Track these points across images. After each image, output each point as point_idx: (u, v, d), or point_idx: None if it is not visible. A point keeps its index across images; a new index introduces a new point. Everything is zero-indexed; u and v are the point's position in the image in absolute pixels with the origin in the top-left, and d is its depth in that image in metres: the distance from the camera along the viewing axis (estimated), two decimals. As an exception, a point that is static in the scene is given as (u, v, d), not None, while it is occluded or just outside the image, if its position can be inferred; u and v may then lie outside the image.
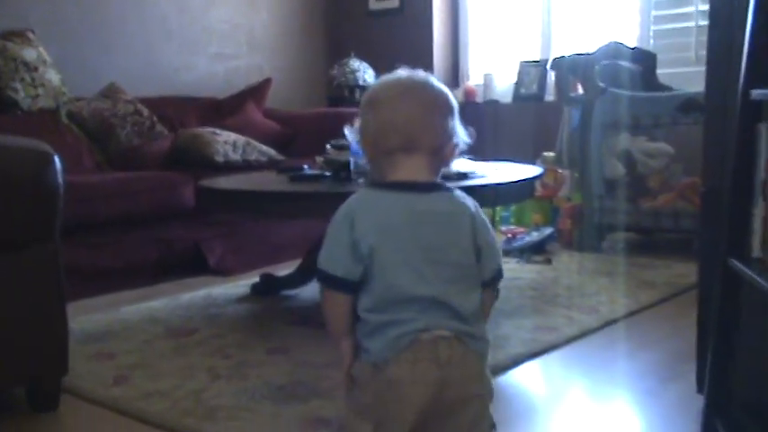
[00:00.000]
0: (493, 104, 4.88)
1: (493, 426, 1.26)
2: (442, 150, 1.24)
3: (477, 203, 1.25)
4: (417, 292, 1.15)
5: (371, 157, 1.27)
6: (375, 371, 1.16)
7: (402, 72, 1.26)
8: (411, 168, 1.22)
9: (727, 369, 1.59)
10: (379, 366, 1.16)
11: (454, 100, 1.27)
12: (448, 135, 1.24)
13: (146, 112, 4.01)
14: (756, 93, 1.42)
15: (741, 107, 1.46)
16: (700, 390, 1.78)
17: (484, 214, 1.26)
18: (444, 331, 1.15)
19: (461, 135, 1.26)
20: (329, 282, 1.18)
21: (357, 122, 1.29)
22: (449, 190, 1.24)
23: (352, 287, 1.18)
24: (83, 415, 1.92)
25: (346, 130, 2.69)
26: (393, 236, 1.16)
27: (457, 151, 1.26)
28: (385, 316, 1.16)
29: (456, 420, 1.19)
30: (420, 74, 1.26)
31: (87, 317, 2.73)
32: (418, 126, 1.21)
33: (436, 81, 1.26)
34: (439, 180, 1.26)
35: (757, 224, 1.44)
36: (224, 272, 3.39)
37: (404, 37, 5.14)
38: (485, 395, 1.23)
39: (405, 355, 1.14)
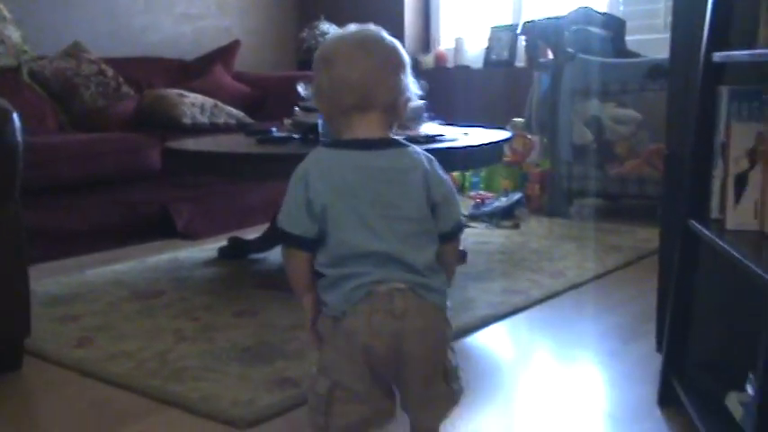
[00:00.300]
0: (464, 70, 4.86)
1: (461, 389, 1.29)
2: (395, 106, 1.24)
3: (432, 158, 1.26)
4: (371, 247, 1.17)
5: (327, 115, 1.27)
6: (334, 324, 1.18)
7: (353, 27, 1.25)
8: (366, 126, 1.22)
9: (684, 328, 1.63)
10: (337, 319, 1.17)
11: (405, 54, 1.26)
12: (401, 90, 1.23)
13: (111, 72, 3.94)
14: (718, 55, 1.43)
15: (703, 70, 1.48)
16: (659, 349, 1.82)
17: (441, 168, 1.26)
18: (399, 284, 1.16)
19: (413, 89, 1.26)
20: (289, 240, 1.21)
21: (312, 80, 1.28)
22: (403, 146, 1.25)
23: (310, 245, 1.20)
24: (46, 376, 1.91)
25: (299, 88, 2.67)
26: (346, 194, 1.17)
27: (409, 105, 1.27)
28: (341, 270, 1.17)
29: (418, 372, 1.21)
30: (371, 29, 1.25)
31: (52, 279, 2.70)
32: (373, 84, 1.20)
33: (387, 35, 1.25)
34: (393, 136, 1.26)
35: (716, 186, 1.46)
36: (192, 235, 3.36)
37: (375, 1, 5.08)
38: (445, 347, 1.25)
39: (360, 306, 1.15)
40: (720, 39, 1.46)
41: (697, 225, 1.48)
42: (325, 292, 1.20)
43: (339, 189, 1.17)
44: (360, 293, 1.16)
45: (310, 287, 1.23)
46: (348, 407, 1.19)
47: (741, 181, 1.41)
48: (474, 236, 3.36)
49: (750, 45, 1.37)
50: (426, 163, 1.23)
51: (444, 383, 1.25)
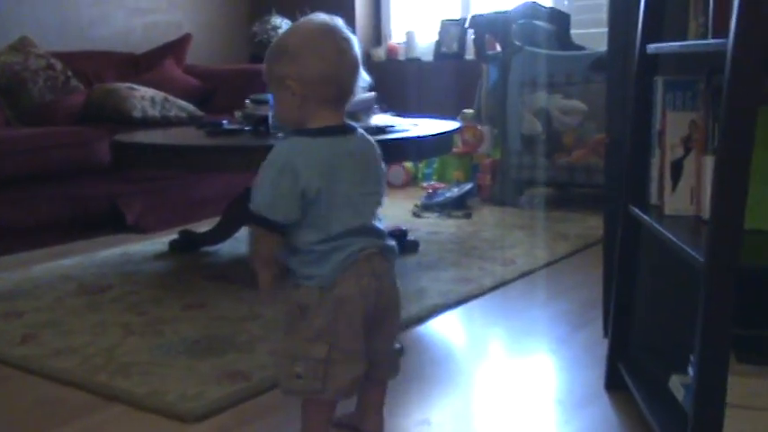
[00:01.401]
0: (415, 62, 4.89)
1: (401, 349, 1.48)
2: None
3: None
4: (356, 222, 1.31)
5: (299, 103, 1.30)
6: (322, 293, 1.28)
7: (326, 18, 1.31)
8: (335, 114, 1.33)
9: (627, 313, 1.67)
10: (325, 288, 1.28)
11: None
12: None
13: (59, 66, 3.86)
14: (651, 47, 1.47)
15: (638, 61, 1.52)
16: (606, 335, 1.85)
17: None
18: (374, 248, 1.32)
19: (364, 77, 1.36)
20: (266, 224, 1.28)
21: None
22: (357, 130, 1.37)
23: (285, 228, 1.29)
24: (-12, 374, 1.87)
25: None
26: (334, 177, 1.28)
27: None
28: (329, 245, 1.28)
29: (390, 326, 1.39)
30: (342, 24, 1.32)
31: (-4, 276, 2.65)
32: (354, 80, 1.32)
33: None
34: (347, 121, 1.37)
35: (655, 172, 1.50)
36: (142, 229, 3.32)
37: (326, -7, 5.06)
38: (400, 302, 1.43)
39: (349, 273, 1.28)
40: (654, 31, 1.50)
41: (636, 210, 1.51)
42: (309, 267, 1.29)
43: (327, 173, 1.27)
44: (348, 263, 1.28)
45: (271, 264, 1.33)
46: (344, 367, 1.30)
47: (677, 168, 1.45)
48: (426, 226, 3.39)
49: (682, 37, 1.40)
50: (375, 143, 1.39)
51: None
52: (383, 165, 1.39)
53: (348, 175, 1.30)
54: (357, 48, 1.32)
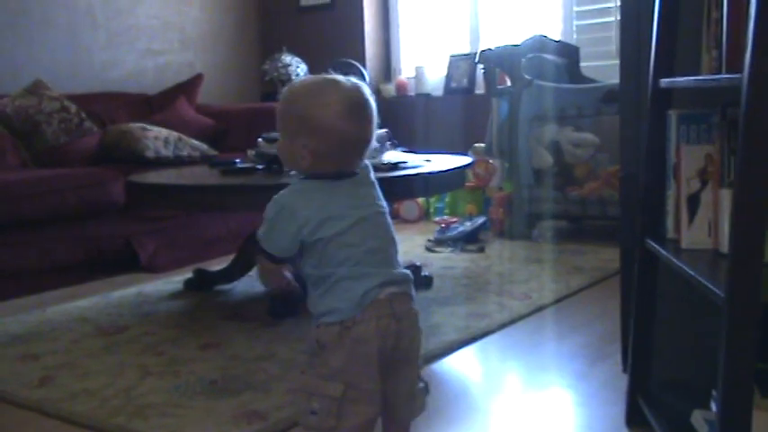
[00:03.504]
0: (424, 97, 4.92)
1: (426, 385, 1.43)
2: None
3: None
4: (367, 244, 1.31)
5: (311, 161, 1.30)
6: (342, 331, 1.27)
7: (353, 88, 1.31)
8: (348, 164, 1.34)
9: (647, 347, 1.65)
10: (345, 325, 1.27)
11: None
12: None
13: (73, 108, 3.91)
14: (665, 81, 1.48)
15: (651, 95, 1.53)
16: (625, 369, 1.84)
17: None
18: (395, 288, 1.31)
19: None
20: (270, 257, 1.33)
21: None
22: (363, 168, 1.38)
23: (285, 260, 1.33)
24: (5, 418, 1.87)
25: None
26: (334, 202, 1.30)
27: None
28: (343, 270, 1.28)
29: (409, 368, 1.36)
30: (367, 90, 1.34)
31: (12, 318, 2.66)
32: (370, 141, 1.34)
33: None
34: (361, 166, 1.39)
35: (670, 206, 1.50)
36: (156, 269, 3.33)
37: (335, 32, 5.13)
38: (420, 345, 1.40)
39: (368, 313, 1.28)
40: (666, 65, 1.51)
41: (653, 244, 1.51)
42: (326, 299, 1.29)
43: (326, 204, 1.30)
44: (368, 299, 1.27)
45: (279, 274, 1.37)
46: (359, 407, 1.29)
47: (694, 201, 1.44)
48: (439, 260, 3.38)
49: (695, 71, 1.41)
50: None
51: (419, 380, 1.41)
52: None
53: (345, 199, 1.31)
54: (375, 110, 1.34)
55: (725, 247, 1.33)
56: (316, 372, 1.30)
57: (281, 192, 1.32)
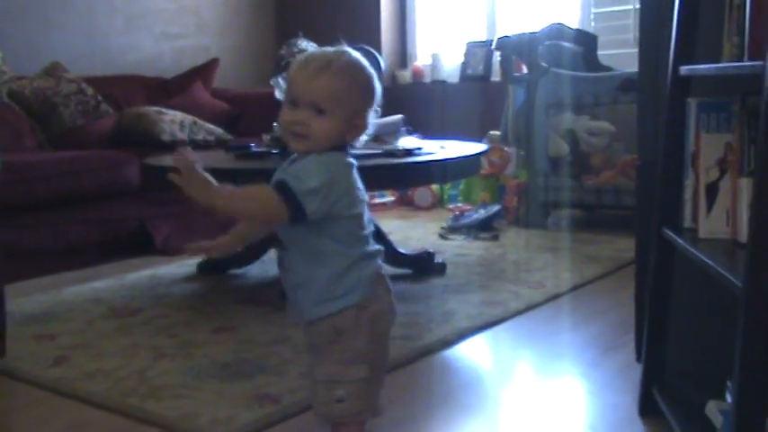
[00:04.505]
0: (440, 84, 4.90)
1: None
2: None
3: None
4: (371, 225, 1.34)
5: (345, 129, 1.28)
6: (358, 313, 1.28)
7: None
8: None
9: (662, 337, 1.64)
10: (361, 306, 1.28)
11: None
12: None
13: (90, 91, 3.92)
14: (684, 69, 1.46)
15: (671, 83, 1.51)
16: (639, 359, 1.83)
17: None
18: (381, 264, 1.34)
19: None
20: (295, 213, 1.22)
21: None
22: None
23: (301, 221, 1.23)
24: (21, 397, 1.88)
25: (280, 80, 2.63)
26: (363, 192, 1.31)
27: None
28: (362, 250, 1.29)
29: (389, 339, 1.38)
30: None
31: (28, 298, 2.68)
32: None
33: None
34: None
35: (688, 195, 1.49)
36: (170, 251, 3.34)
37: (352, 17, 5.11)
38: None
39: (379, 289, 1.31)
40: (687, 53, 1.49)
41: (670, 233, 1.50)
42: (344, 280, 1.27)
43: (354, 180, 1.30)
44: (377, 276, 1.31)
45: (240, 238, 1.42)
46: (378, 382, 1.34)
47: (712, 190, 1.43)
48: (453, 248, 3.38)
49: (716, 58, 1.39)
50: None
51: None
52: None
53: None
54: None
55: (743, 236, 1.32)
56: (335, 359, 1.29)
57: (326, 158, 1.26)
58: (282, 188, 1.22)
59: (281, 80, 1.28)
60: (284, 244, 1.31)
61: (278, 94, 1.42)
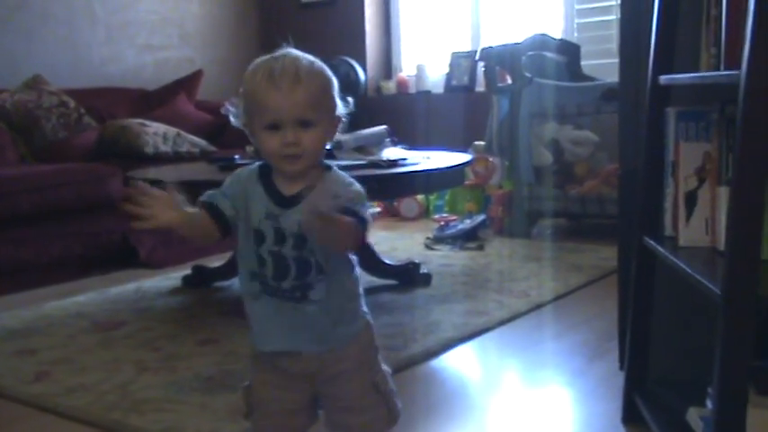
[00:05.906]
0: (425, 95, 4.92)
1: None
2: None
3: None
4: None
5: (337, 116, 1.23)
6: (369, 325, 1.29)
7: None
8: None
9: (643, 345, 1.65)
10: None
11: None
12: None
13: (72, 103, 3.91)
14: (664, 78, 1.47)
15: (651, 92, 1.52)
16: (622, 366, 1.84)
17: None
18: None
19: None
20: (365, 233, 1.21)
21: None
22: None
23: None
24: (1, 413, 1.86)
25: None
26: None
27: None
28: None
29: None
30: None
31: (8, 313, 2.65)
32: None
33: None
34: None
35: (668, 203, 1.50)
36: (155, 264, 3.33)
37: (337, 29, 5.12)
38: None
39: None
40: (665, 62, 1.50)
41: (651, 242, 1.51)
42: (362, 300, 1.27)
43: None
44: None
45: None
46: None
47: (691, 199, 1.44)
48: (438, 258, 3.38)
49: (694, 68, 1.41)
50: None
51: None
52: None
53: None
54: None
55: (722, 244, 1.33)
56: (377, 368, 1.28)
57: (344, 175, 1.23)
58: (363, 222, 1.15)
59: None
60: (325, 269, 1.19)
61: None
